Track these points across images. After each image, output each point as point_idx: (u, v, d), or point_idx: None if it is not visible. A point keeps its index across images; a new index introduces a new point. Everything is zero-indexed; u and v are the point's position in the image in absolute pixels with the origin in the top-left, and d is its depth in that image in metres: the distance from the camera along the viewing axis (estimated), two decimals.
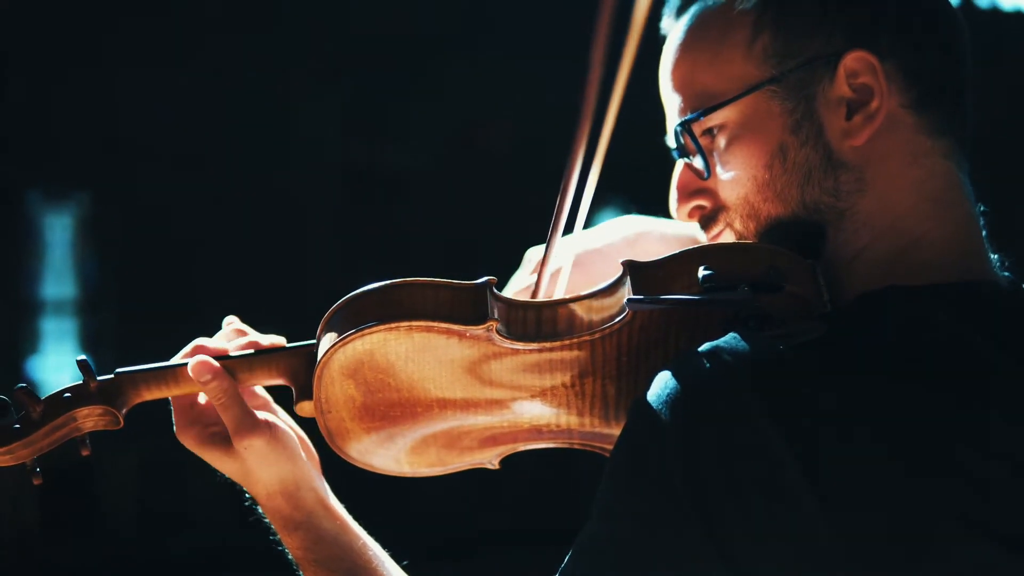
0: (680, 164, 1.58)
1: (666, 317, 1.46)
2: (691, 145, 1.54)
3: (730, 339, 1.37)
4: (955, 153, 1.52)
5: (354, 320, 1.51)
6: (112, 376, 1.62)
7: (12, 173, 6.25)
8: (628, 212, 1.79)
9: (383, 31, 6.53)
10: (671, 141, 1.59)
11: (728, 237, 1.55)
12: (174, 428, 1.63)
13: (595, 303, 1.51)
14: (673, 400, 1.34)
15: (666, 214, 1.66)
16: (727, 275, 1.44)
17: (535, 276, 1.73)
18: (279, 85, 6.44)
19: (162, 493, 6.24)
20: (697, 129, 1.54)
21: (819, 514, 1.28)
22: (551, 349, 1.49)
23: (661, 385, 1.36)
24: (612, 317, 1.48)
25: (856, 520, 1.28)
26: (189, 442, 1.63)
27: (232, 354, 1.63)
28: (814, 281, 1.46)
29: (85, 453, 1.62)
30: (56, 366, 6.48)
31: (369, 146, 6.76)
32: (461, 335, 1.49)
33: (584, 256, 1.79)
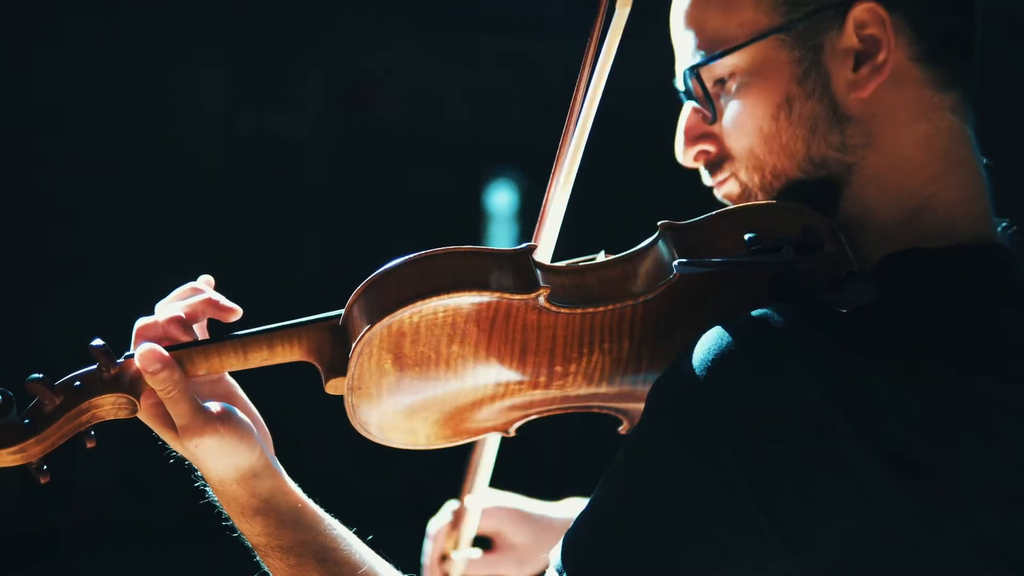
0: (688, 107, 1.58)
1: (708, 279, 1.45)
2: (699, 90, 1.53)
3: (781, 306, 1.37)
4: (963, 107, 1.52)
5: (397, 293, 1.45)
6: (125, 359, 1.51)
7: None
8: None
9: None
10: (679, 84, 1.58)
11: (733, 186, 1.55)
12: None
13: (634, 266, 1.49)
14: (722, 366, 1.32)
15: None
16: (769, 236, 1.44)
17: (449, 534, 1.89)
18: (163, 48, 6.34)
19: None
20: (706, 75, 1.53)
21: (875, 480, 1.29)
22: (593, 315, 1.47)
23: (708, 350, 1.34)
24: (656, 280, 1.46)
25: (906, 486, 1.30)
26: (145, 416, 1.53)
27: (247, 331, 1.53)
28: (837, 239, 1.47)
29: (91, 445, 1.51)
30: None
31: (256, 113, 6.69)
32: (509, 305, 1.46)
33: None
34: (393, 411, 1.53)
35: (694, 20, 1.54)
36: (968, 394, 1.34)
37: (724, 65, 1.51)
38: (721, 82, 1.53)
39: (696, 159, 1.57)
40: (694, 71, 1.52)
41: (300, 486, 1.58)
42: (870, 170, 1.49)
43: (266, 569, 1.56)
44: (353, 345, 1.47)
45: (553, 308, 1.46)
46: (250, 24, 6.51)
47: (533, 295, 1.45)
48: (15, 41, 6.05)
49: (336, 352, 1.51)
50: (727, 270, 1.44)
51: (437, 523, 2.17)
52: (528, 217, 7.07)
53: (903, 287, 1.42)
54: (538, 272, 1.48)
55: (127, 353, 1.51)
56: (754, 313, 1.36)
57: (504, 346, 1.49)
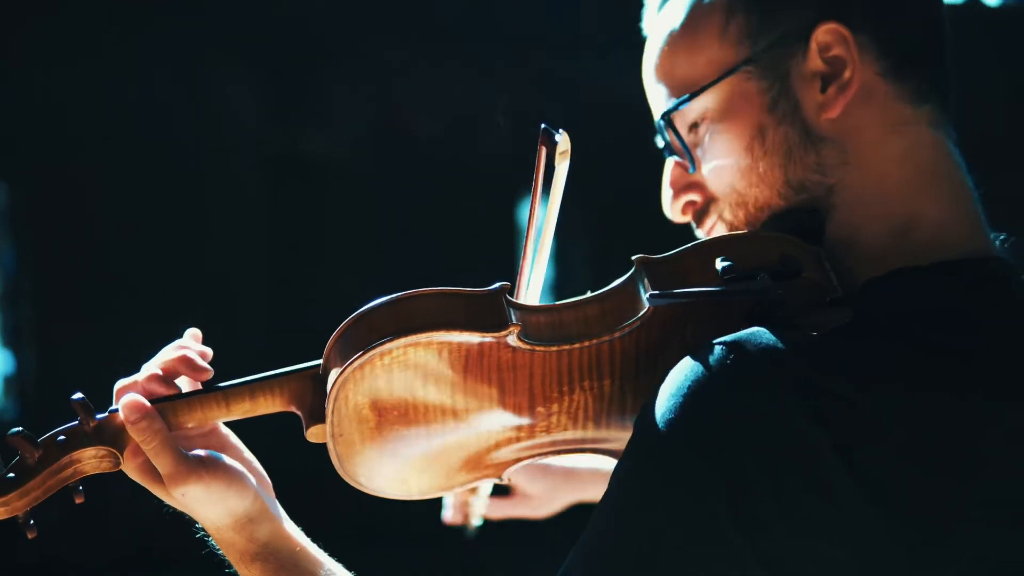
0: (670, 163, 1.58)
1: (684, 310, 1.44)
2: (675, 141, 1.54)
3: (757, 332, 1.35)
4: (941, 121, 1.51)
5: (368, 337, 1.45)
6: (108, 414, 1.52)
7: None
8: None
9: (303, 13, 6.49)
10: (659, 139, 1.58)
11: (720, 230, 1.54)
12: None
13: (611, 302, 1.48)
14: (700, 394, 1.31)
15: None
16: (745, 265, 1.42)
17: None
18: (197, 70, 6.39)
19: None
20: (680, 122, 1.53)
21: (859, 508, 1.27)
22: (570, 352, 1.46)
23: (684, 379, 1.33)
24: (631, 314, 1.45)
25: (891, 515, 1.27)
26: (131, 470, 1.54)
27: (231, 383, 1.54)
28: (821, 266, 1.45)
29: (79, 501, 1.52)
30: None
31: (290, 132, 6.72)
32: (482, 343, 1.45)
33: None
34: (379, 460, 1.52)
35: (663, 71, 1.55)
36: (953, 415, 1.31)
37: (695, 109, 1.51)
38: (695, 127, 1.53)
39: (684, 211, 1.57)
40: (666, 118, 1.52)
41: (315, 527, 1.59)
42: (852, 189, 1.48)
43: None
44: (328, 390, 1.47)
45: (526, 346, 1.46)
46: (286, 45, 6.54)
47: (504, 333, 1.44)
48: (51, 61, 6.11)
49: (317, 400, 1.51)
50: (701, 300, 1.42)
51: None
52: (562, 235, 7.07)
53: (883, 309, 1.39)
54: (511, 311, 1.47)
55: (111, 408, 1.52)
56: (728, 339, 1.34)
57: (480, 387, 1.48)
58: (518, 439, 1.53)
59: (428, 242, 6.32)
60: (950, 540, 1.29)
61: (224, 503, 1.52)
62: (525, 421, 1.51)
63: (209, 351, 1.58)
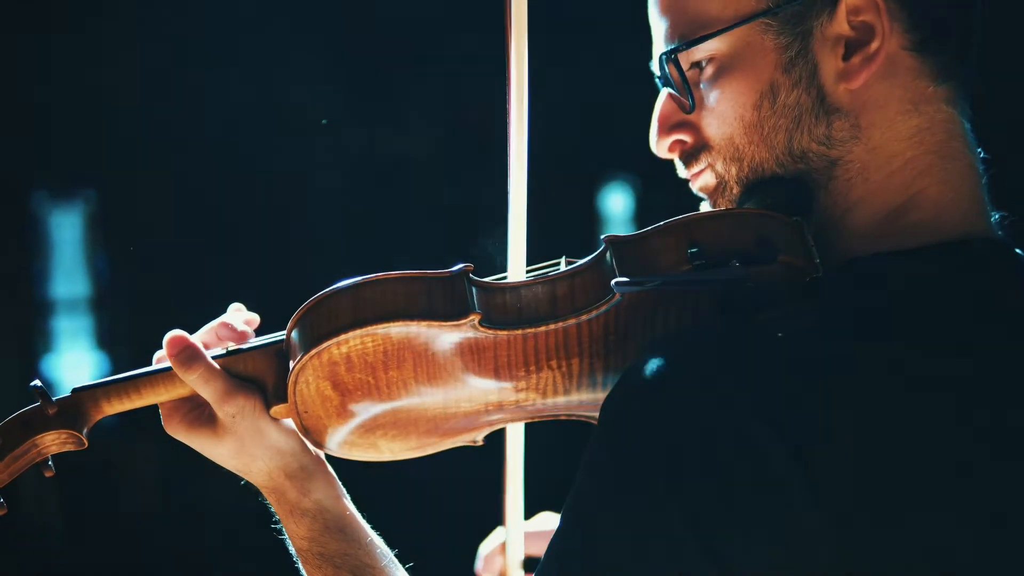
0: (663, 94, 1.50)
1: (653, 296, 1.39)
2: (676, 76, 1.45)
3: (712, 330, 1.32)
4: (958, 99, 1.44)
5: (327, 324, 1.46)
6: (70, 395, 1.58)
7: (18, 173, 6.27)
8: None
9: (378, 12, 6.52)
10: (655, 69, 1.50)
11: (709, 178, 1.48)
12: (161, 421, 1.59)
13: (578, 282, 1.44)
14: (653, 398, 1.28)
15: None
16: (716, 249, 1.36)
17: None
18: (278, 72, 6.43)
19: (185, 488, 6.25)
20: (684, 60, 1.45)
21: (811, 510, 1.24)
22: (536, 335, 1.44)
23: (637, 381, 1.29)
24: (599, 298, 1.41)
25: (841, 516, 1.24)
26: (177, 429, 1.57)
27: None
28: (803, 242, 1.38)
29: (49, 475, 1.57)
30: (72, 364, 6.50)
31: (369, 131, 6.75)
32: (440, 330, 1.44)
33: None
34: (347, 430, 1.53)
35: (672, 1, 1.46)
36: (907, 412, 1.27)
37: (703, 49, 1.43)
38: (698, 65, 1.44)
39: (671, 149, 1.50)
40: (670, 56, 1.44)
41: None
42: (856, 164, 1.41)
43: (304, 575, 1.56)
44: (288, 374, 1.49)
45: (489, 332, 1.43)
46: (362, 44, 6.57)
47: (464, 321, 1.43)
48: (135, 68, 6.19)
49: (279, 380, 1.53)
50: (669, 288, 1.38)
51: (488, 547, 2.16)
52: (642, 221, 7.04)
53: (853, 301, 1.34)
54: (474, 293, 1.45)
55: (76, 386, 1.58)
56: (687, 336, 1.32)
57: (444, 369, 1.47)
58: (487, 410, 1.53)
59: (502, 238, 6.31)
60: (900, 541, 1.25)
61: (273, 432, 1.53)
62: (492, 396, 1.50)
63: (255, 317, 1.63)
